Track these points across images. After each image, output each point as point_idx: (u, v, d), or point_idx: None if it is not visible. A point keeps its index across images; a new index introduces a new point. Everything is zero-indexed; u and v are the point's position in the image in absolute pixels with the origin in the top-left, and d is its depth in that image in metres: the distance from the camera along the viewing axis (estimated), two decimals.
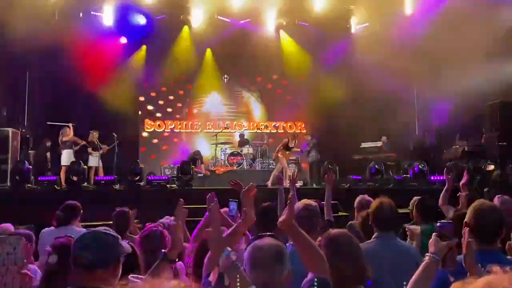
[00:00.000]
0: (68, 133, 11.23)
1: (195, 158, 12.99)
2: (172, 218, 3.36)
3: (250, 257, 1.88)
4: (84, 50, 13.70)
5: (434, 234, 2.04)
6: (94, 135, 11.60)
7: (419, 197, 4.47)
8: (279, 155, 11.76)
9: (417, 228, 3.32)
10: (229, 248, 1.77)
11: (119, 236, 2.13)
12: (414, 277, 1.95)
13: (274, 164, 13.63)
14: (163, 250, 2.37)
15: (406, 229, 3.45)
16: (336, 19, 14.45)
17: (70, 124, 11.35)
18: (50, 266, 2.46)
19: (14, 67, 12.49)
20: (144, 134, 15.22)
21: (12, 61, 12.22)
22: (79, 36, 13.40)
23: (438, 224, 2.12)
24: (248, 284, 1.64)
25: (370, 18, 14.52)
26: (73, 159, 10.62)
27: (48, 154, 11.97)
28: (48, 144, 11.92)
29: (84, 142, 11.44)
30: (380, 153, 13.02)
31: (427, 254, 2.00)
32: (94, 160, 11.47)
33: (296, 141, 12.15)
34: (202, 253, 2.36)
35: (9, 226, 4.17)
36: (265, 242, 1.92)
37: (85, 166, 10.59)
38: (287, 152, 11.87)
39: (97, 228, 2.08)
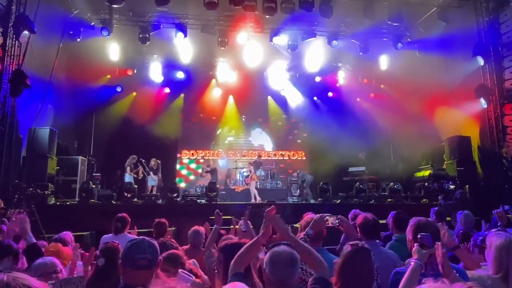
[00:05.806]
0: (131, 163, 11.47)
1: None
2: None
3: (270, 260, 1.85)
4: (137, 98, 14.05)
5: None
6: (155, 163, 11.86)
7: (395, 211, 4.31)
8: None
9: None
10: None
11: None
12: (403, 279, 1.93)
13: (280, 184, 13.49)
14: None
15: None
16: (327, 73, 14.56)
17: (135, 159, 11.58)
18: (98, 267, 2.42)
19: (84, 111, 12.80)
20: (183, 158, 15.22)
21: (83, 107, 12.52)
22: (134, 87, 13.76)
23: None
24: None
25: (353, 72, 14.61)
26: (131, 181, 10.72)
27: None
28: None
29: (137, 173, 11.55)
30: (363, 175, 12.80)
31: (412, 260, 1.99)
32: (152, 181, 11.73)
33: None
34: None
35: (68, 233, 4.06)
36: (282, 249, 1.90)
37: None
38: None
39: (143, 237, 2.01)
